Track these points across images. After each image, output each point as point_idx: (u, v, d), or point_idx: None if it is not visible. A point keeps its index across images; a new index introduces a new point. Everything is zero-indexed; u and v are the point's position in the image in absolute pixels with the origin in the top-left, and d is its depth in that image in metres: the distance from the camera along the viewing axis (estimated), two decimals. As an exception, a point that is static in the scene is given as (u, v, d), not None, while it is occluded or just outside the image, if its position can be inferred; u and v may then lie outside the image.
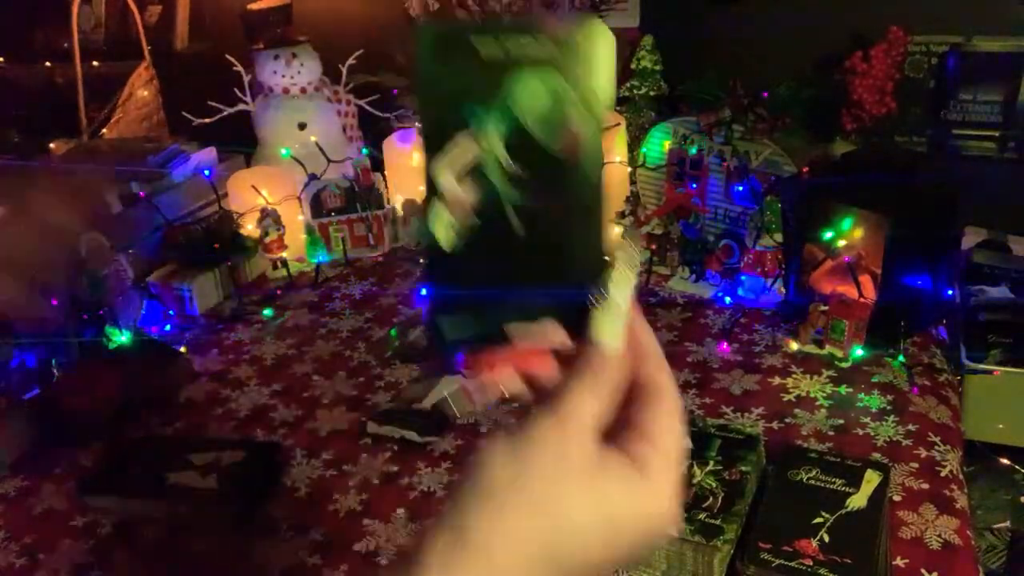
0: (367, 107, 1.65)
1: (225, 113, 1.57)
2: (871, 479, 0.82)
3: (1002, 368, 1.11)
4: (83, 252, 1.24)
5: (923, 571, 0.79)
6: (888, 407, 1.03)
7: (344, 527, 0.91)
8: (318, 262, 1.50)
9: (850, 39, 1.41)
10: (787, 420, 1.02)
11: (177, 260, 1.41)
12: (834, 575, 0.72)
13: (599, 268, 0.41)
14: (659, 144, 1.41)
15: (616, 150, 1.45)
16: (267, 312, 1.37)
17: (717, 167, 1.34)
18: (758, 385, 1.09)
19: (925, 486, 0.89)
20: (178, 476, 0.95)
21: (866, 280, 1.13)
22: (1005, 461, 1.17)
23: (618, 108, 1.56)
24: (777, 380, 1.10)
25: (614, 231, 1.44)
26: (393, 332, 1.29)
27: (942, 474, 0.91)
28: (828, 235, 1.15)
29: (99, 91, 1.88)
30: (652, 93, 1.59)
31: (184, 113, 1.57)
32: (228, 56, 1.56)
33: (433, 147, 0.40)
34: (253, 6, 1.86)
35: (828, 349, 1.12)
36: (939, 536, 0.83)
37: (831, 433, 0.99)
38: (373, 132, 1.68)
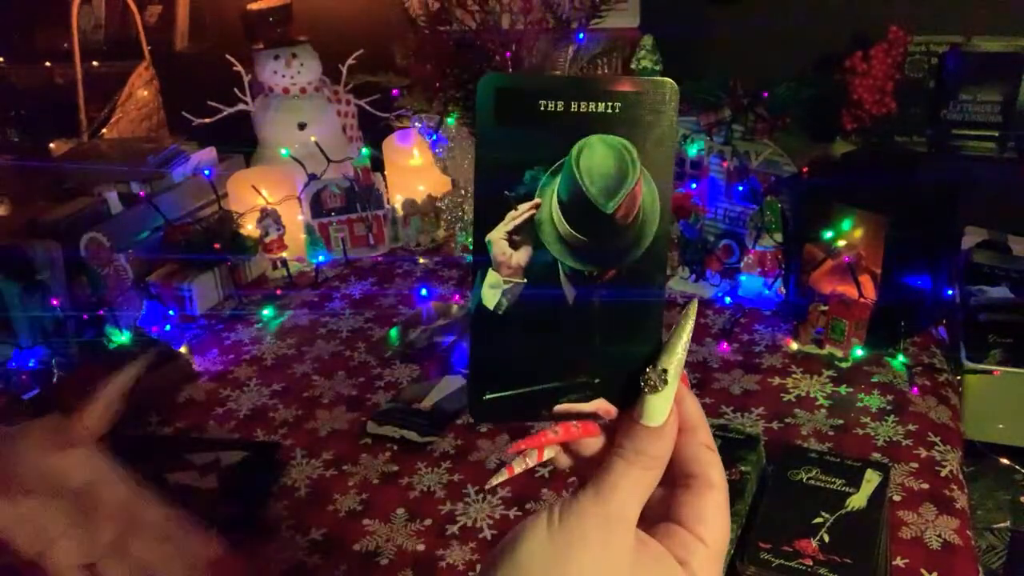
0: (367, 107, 1.65)
1: (225, 113, 1.57)
2: (871, 479, 0.83)
3: (1002, 368, 1.11)
4: (83, 252, 1.24)
5: (923, 571, 0.79)
6: (888, 407, 1.03)
7: (344, 527, 0.91)
8: (318, 262, 1.50)
9: (850, 39, 1.41)
10: (787, 420, 1.02)
11: (177, 260, 1.41)
12: (834, 575, 0.72)
13: (654, 342, 0.39)
14: (659, 144, 1.41)
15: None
16: (267, 312, 1.37)
17: (717, 167, 1.34)
18: (758, 385, 1.09)
19: (925, 486, 0.89)
20: (178, 476, 0.95)
21: (866, 280, 1.13)
22: (1005, 461, 1.17)
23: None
24: (777, 380, 1.10)
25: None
26: (393, 332, 1.29)
27: (942, 474, 0.91)
28: (828, 235, 1.15)
29: (99, 91, 1.88)
30: (652, 93, 1.58)
31: (184, 113, 1.57)
32: (228, 56, 1.56)
33: (488, 208, 0.38)
34: (253, 6, 1.86)
35: (828, 349, 1.12)
36: (939, 536, 0.83)
37: (831, 433, 0.99)
38: (373, 132, 1.68)
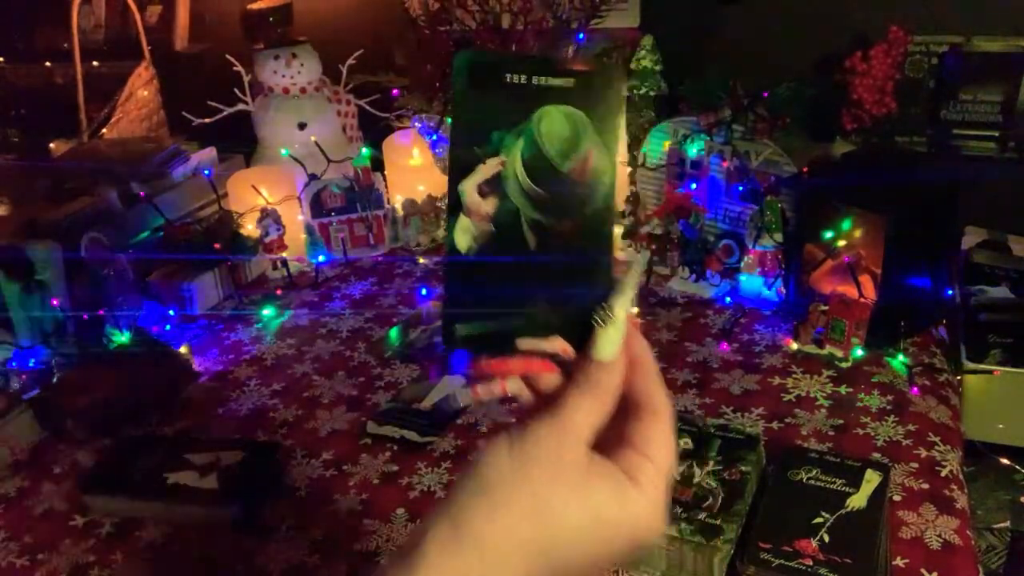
0: (367, 107, 1.65)
1: (225, 113, 1.57)
2: (871, 479, 0.83)
3: (1002, 368, 1.11)
4: (83, 252, 1.24)
5: (923, 571, 0.79)
6: (888, 407, 1.03)
7: (344, 527, 0.91)
8: (318, 262, 1.50)
9: (850, 39, 1.41)
10: (787, 420, 1.02)
11: (177, 260, 1.41)
12: (834, 575, 0.72)
13: (604, 286, 0.44)
14: (659, 144, 1.41)
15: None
16: (267, 312, 1.37)
17: (717, 167, 1.34)
18: (758, 385, 1.09)
19: (925, 486, 0.89)
20: (178, 476, 0.95)
21: (866, 280, 1.13)
22: (1005, 461, 1.17)
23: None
24: (777, 380, 1.10)
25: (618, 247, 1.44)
26: (393, 332, 1.29)
27: (942, 474, 0.91)
28: (828, 235, 1.15)
29: (99, 91, 1.88)
30: (652, 93, 1.58)
31: (184, 113, 1.57)
32: (228, 56, 1.56)
33: (461, 162, 0.43)
34: (253, 6, 1.86)
35: (828, 349, 1.12)
36: (939, 536, 0.83)
37: (831, 433, 0.99)
38: (373, 132, 1.68)
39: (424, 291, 1.40)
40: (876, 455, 0.94)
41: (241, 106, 1.60)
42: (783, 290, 1.26)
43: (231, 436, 1.08)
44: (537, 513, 0.41)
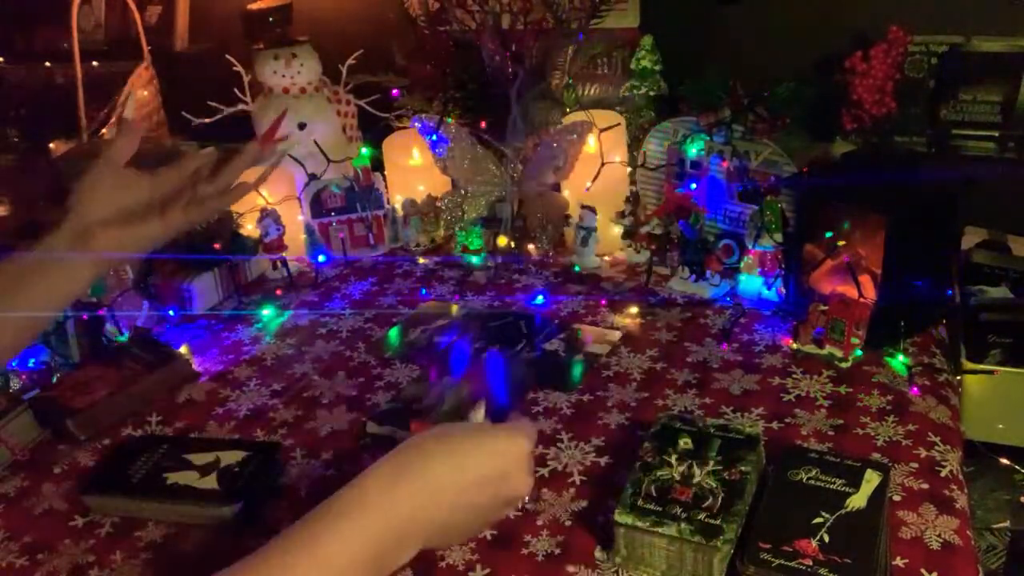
0: (367, 107, 1.65)
1: (225, 113, 1.57)
2: (871, 479, 0.82)
3: (1002, 368, 1.11)
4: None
5: (923, 571, 0.79)
6: (888, 407, 1.03)
7: (344, 527, 0.91)
8: (318, 262, 1.50)
9: (850, 39, 1.40)
10: (787, 420, 1.02)
11: (177, 260, 1.41)
12: (834, 575, 0.72)
13: None
14: (659, 144, 1.41)
15: (616, 150, 1.45)
16: (267, 312, 1.37)
17: (717, 167, 1.34)
18: (758, 385, 1.09)
19: (925, 486, 0.89)
20: (178, 476, 0.95)
21: (866, 280, 1.13)
22: (1005, 461, 1.17)
23: (618, 108, 1.56)
24: (777, 380, 1.10)
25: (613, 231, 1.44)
26: (393, 332, 1.29)
27: (942, 474, 0.91)
28: (828, 235, 1.15)
29: (99, 91, 1.88)
30: (652, 93, 1.58)
31: (184, 113, 1.57)
32: (228, 56, 1.56)
33: None
34: (253, 6, 1.86)
35: (828, 349, 1.12)
36: (939, 536, 0.83)
37: (831, 433, 0.99)
38: (373, 132, 1.67)
39: (424, 291, 1.40)
40: (876, 455, 0.94)
41: (241, 106, 1.60)
42: (783, 290, 1.26)
43: (231, 436, 1.08)
44: (414, 480, 0.62)
